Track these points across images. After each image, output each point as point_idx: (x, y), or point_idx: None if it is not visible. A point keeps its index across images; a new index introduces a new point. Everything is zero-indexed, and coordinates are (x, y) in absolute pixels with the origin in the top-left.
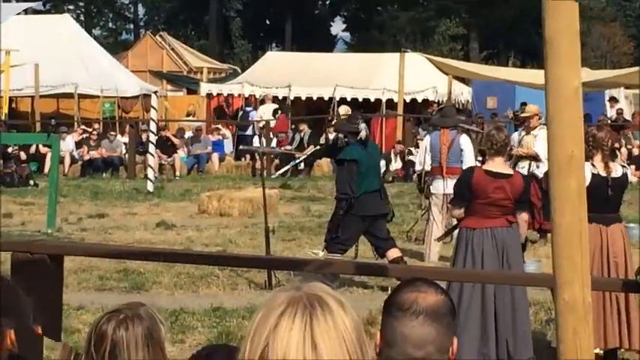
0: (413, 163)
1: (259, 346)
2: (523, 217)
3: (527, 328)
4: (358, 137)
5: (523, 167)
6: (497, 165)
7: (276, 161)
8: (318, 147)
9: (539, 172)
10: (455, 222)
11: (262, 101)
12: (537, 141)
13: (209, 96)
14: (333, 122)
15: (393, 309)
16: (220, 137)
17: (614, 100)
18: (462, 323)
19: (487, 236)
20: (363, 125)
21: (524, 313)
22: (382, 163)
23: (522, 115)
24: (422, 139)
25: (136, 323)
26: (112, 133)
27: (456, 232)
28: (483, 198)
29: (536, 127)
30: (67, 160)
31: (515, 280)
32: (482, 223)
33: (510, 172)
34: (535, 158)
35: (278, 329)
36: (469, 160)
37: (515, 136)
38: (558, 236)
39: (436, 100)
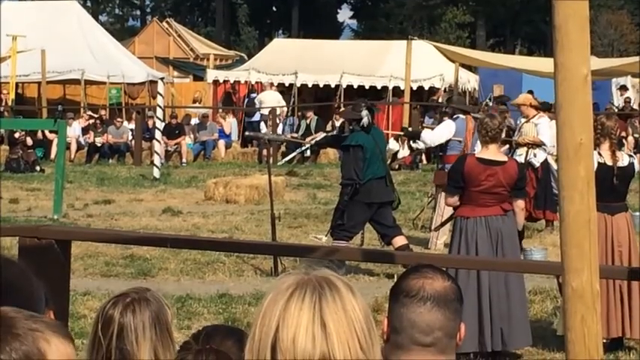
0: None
1: (271, 329)
2: (519, 204)
3: (524, 317)
4: (360, 124)
5: (520, 155)
6: (491, 152)
7: (283, 148)
8: (324, 134)
9: (536, 161)
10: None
11: (263, 89)
12: (541, 129)
13: (215, 83)
14: (339, 109)
15: (400, 296)
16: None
17: (624, 88)
18: None
19: (481, 225)
20: (365, 112)
21: (519, 302)
22: (395, 145)
23: (512, 102)
24: (428, 127)
25: (143, 307)
26: (119, 119)
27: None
28: (476, 186)
29: (534, 116)
30: (74, 146)
31: (523, 267)
32: (477, 211)
33: (504, 159)
34: (539, 146)
35: (287, 310)
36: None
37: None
38: (567, 224)
39: (442, 88)
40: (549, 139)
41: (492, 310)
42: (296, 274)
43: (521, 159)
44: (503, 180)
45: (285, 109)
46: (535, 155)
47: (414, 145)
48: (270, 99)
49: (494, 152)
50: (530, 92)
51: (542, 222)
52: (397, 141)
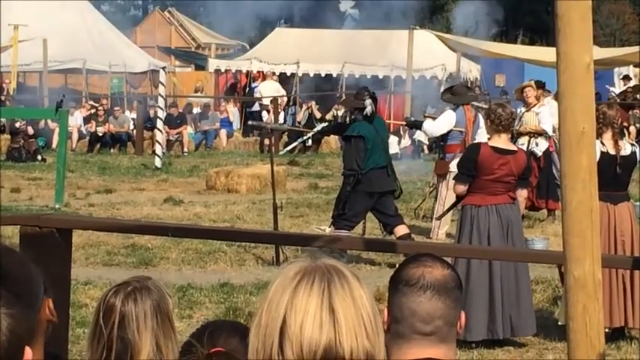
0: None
1: (279, 315)
2: (522, 193)
3: (530, 304)
4: (364, 113)
5: (522, 144)
6: (503, 141)
7: (285, 138)
8: (326, 124)
9: (538, 151)
10: (455, 199)
11: (264, 78)
12: (543, 117)
13: (217, 72)
14: (341, 99)
15: (399, 285)
16: (227, 115)
17: (627, 78)
18: (469, 301)
19: (493, 213)
20: (368, 101)
21: (526, 290)
22: (395, 140)
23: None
24: (431, 116)
25: (145, 295)
26: (116, 109)
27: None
28: (489, 174)
29: (535, 105)
30: (75, 136)
31: (525, 257)
32: (488, 200)
33: (515, 148)
34: (541, 135)
35: (296, 296)
36: (483, 138)
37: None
38: (569, 213)
39: (444, 78)
40: (551, 127)
41: (503, 298)
42: (303, 262)
43: (523, 148)
44: (514, 169)
45: (286, 98)
46: (537, 144)
47: (416, 138)
48: (269, 89)
49: (505, 141)
50: (542, 83)
51: (543, 211)
52: (397, 136)
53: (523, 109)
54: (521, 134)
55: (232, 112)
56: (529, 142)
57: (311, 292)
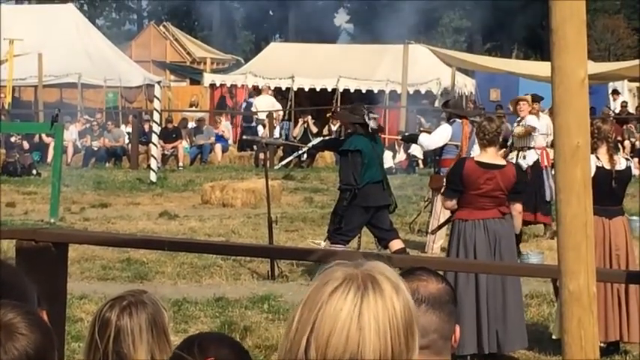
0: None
1: (309, 321)
2: (517, 207)
3: (520, 319)
4: (369, 129)
5: (512, 158)
6: (490, 156)
7: (280, 152)
8: (321, 139)
9: (525, 163)
10: (450, 213)
11: (260, 92)
12: (528, 121)
13: (212, 86)
14: (335, 114)
15: None
16: (222, 131)
17: (616, 92)
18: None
19: (479, 228)
20: (372, 115)
21: (515, 304)
22: (389, 155)
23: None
24: (426, 130)
25: (140, 309)
26: (109, 123)
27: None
28: (475, 189)
29: (524, 118)
30: (70, 150)
31: (520, 271)
32: (475, 214)
33: (502, 162)
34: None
35: (329, 304)
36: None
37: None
38: (563, 226)
39: (439, 92)
40: (539, 125)
41: (489, 312)
42: (344, 267)
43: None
44: (501, 183)
45: (281, 113)
46: (524, 157)
47: (410, 152)
48: (265, 103)
49: (492, 155)
50: (539, 97)
51: (540, 226)
52: (392, 151)
53: (516, 124)
54: (516, 149)
55: (225, 125)
56: (517, 155)
57: (344, 303)
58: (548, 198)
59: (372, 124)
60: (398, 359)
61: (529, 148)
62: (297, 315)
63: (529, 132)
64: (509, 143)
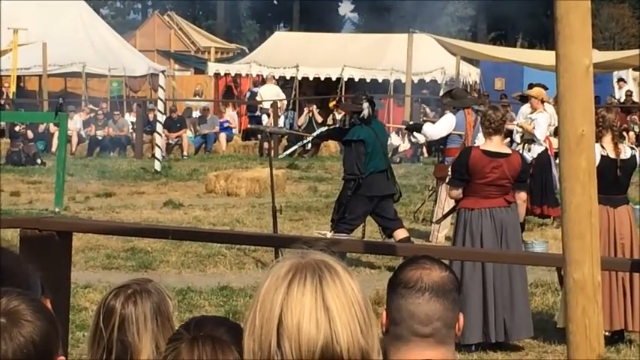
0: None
1: (273, 316)
2: (521, 196)
3: (526, 308)
4: (360, 116)
5: (518, 149)
6: (495, 144)
7: (284, 141)
8: (326, 128)
9: (529, 156)
10: (454, 202)
11: (264, 82)
12: (537, 125)
13: (217, 76)
14: (337, 102)
15: (398, 287)
16: (228, 119)
17: (622, 81)
18: (463, 304)
19: (486, 216)
20: (365, 104)
21: (521, 293)
22: (397, 140)
23: (526, 91)
24: (430, 120)
25: (145, 298)
26: (115, 113)
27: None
28: (481, 178)
29: (535, 111)
30: (75, 139)
31: (525, 259)
32: (481, 203)
33: (508, 151)
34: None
35: (290, 295)
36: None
37: (524, 108)
38: (568, 215)
39: (443, 81)
40: (541, 136)
41: (496, 301)
42: (292, 259)
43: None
44: (507, 172)
45: (285, 102)
46: (529, 150)
47: (413, 140)
48: (269, 92)
49: (498, 144)
50: (544, 87)
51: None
52: (398, 135)
53: (529, 110)
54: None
55: (231, 116)
56: (523, 146)
57: (304, 291)
58: (556, 188)
59: (365, 112)
60: (366, 334)
61: (534, 141)
62: (258, 314)
63: (529, 132)
64: (514, 135)
